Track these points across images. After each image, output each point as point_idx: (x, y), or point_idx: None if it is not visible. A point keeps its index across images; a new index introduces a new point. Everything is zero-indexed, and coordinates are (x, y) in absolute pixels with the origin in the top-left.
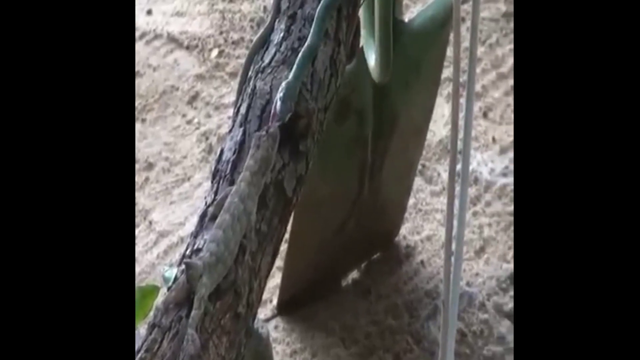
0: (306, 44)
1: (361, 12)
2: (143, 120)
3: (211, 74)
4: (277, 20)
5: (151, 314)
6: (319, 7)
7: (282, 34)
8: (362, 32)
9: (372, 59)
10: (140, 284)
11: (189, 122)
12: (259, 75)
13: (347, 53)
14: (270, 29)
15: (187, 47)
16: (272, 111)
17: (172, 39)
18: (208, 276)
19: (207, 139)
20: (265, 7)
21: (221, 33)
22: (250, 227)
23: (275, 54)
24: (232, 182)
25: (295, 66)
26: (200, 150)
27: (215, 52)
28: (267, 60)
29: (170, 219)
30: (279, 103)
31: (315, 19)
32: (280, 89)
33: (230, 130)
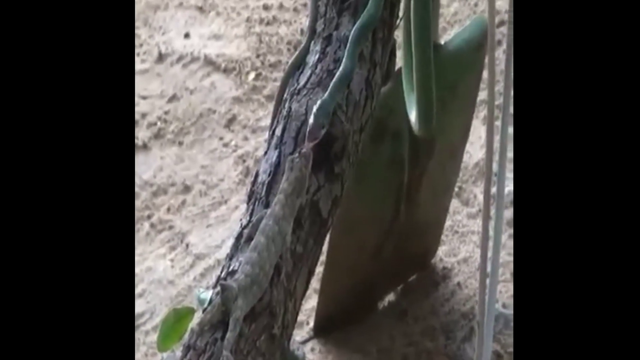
0: (341, 67)
1: (400, 37)
2: (180, 144)
3: (248, 96)
4: (312, 42)
5: (186, 336)
6: (353, 29)
7: (317, 56)
8: (402, 63)
9: (413, 114)
10: (176, 306)
11: (225, 145)
12: (294, 97)
13: (383, 75)
14: (306, 51)
15: (225, 70)
16: (308, 128)
17: (209, 61)
18: (243, 298)
19: (244, 161)
20: (302, 30)
21: (258, 56)
22: (285, 248)
23: (310, 75)
24: (267, 204)
25: (330, 87)
26: (238, 173)
27: (252, 75)
28: (302, 82)
29: (207, 241)
30: (311, 119)
31: (349, 41)
32: (315, 106)
33: (265, 153)
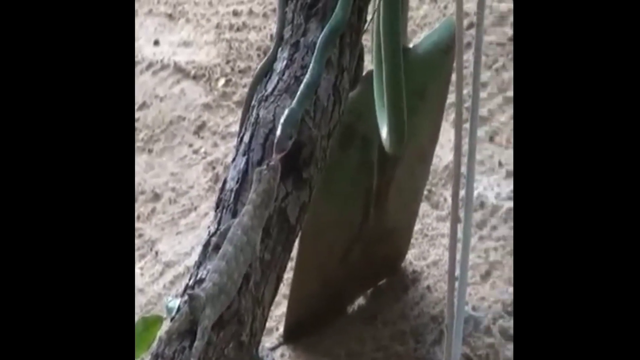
0: (308, 74)
1: (368, 40)
2: (150, 151)
3: (218, 103)
4: (280, 48)
5: (154, 344)
6: (321, 35)
7: (285, 63)
8: (374, 69)
9: (383, 132)
10: (145, 315)
11: (195, 152)
12: (262, 104)
13: (351, 80)
14: (273, 58)
15: (194, 77)
16: (275, 139)
17: (179, 69)
18: (211, 307)
19: (213, 168)
20: (271, 36)
21: (228, 62)
22: (254, 257)
23: (278, 82)
24: (235, 212)
25: (298, 94)
26: (207, 180)
27: (222, 82)
28: (270, 89)
29: (177, 249)
30: (279, 130)
31: (317, 48)
32: (282, 116)
33: (233, 160)
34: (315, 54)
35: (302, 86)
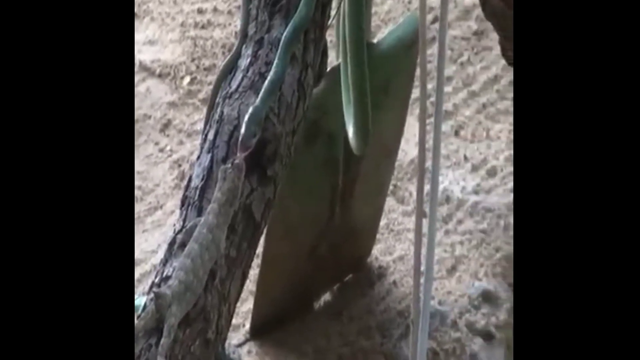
0: (272, 71)
1: (336, 37)
2: None
3: (183, 101)
4: (244, 45)
5: None
6: (285, 32)
7: (249, 59)
8: (341, 65)
9: (350, 130)
10: None
11: (161, 150)
12: (227, 101)
13: (315, 76)
14: (237, 55)
15: (159, 75)
16: (240, 138)
17: (144, 67)
18: (177, 305)
19: (179, 166)
20: (236, 33)
21: (193, 60)
22: (219, 255)
23: (242, 79)
24: (200, 209)
25: (262, 92)
26: (173, 178)
27: (187, 80)
28: (234, 86)
29: (143, 247)
30: (243, 128)
31: (281, 45)
32: (247, 114)
33: (198, 157)
34: (279, 50)
35: (266, 83)
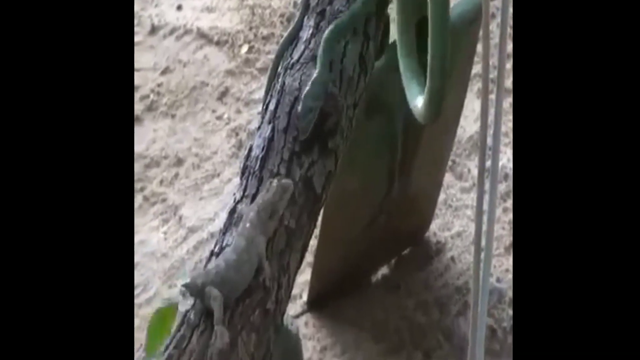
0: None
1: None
2: (173, 116)
3: (241, 69)
4: (306, 17)
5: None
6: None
7: (311, 31)
8: (397, 39)
9: (418, 100)
10: (169, 279)
11: (218, 118)
12: (288, 71)
13: (377, 49)
14: (299, 26)
15: (217, 43)
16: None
17: (202, 34)
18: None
19: (237, 134)
20: (295, 3)
21: (251, 29)
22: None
23: (304, 50)
24: (260, 179)
25: (318, 65)
26: (230, 146)
27: (245, 48)
28: (295, 57)
29: (200, 214)
30: (300, 104)
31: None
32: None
33: (258, 127)
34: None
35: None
